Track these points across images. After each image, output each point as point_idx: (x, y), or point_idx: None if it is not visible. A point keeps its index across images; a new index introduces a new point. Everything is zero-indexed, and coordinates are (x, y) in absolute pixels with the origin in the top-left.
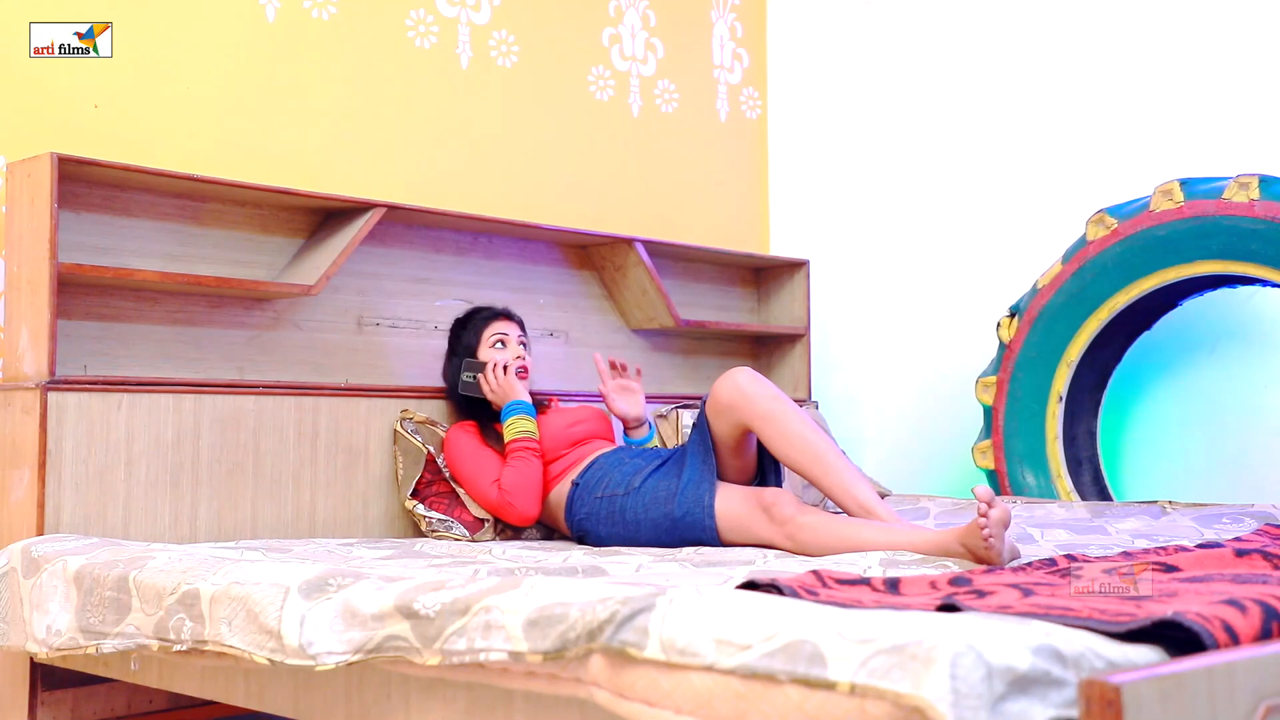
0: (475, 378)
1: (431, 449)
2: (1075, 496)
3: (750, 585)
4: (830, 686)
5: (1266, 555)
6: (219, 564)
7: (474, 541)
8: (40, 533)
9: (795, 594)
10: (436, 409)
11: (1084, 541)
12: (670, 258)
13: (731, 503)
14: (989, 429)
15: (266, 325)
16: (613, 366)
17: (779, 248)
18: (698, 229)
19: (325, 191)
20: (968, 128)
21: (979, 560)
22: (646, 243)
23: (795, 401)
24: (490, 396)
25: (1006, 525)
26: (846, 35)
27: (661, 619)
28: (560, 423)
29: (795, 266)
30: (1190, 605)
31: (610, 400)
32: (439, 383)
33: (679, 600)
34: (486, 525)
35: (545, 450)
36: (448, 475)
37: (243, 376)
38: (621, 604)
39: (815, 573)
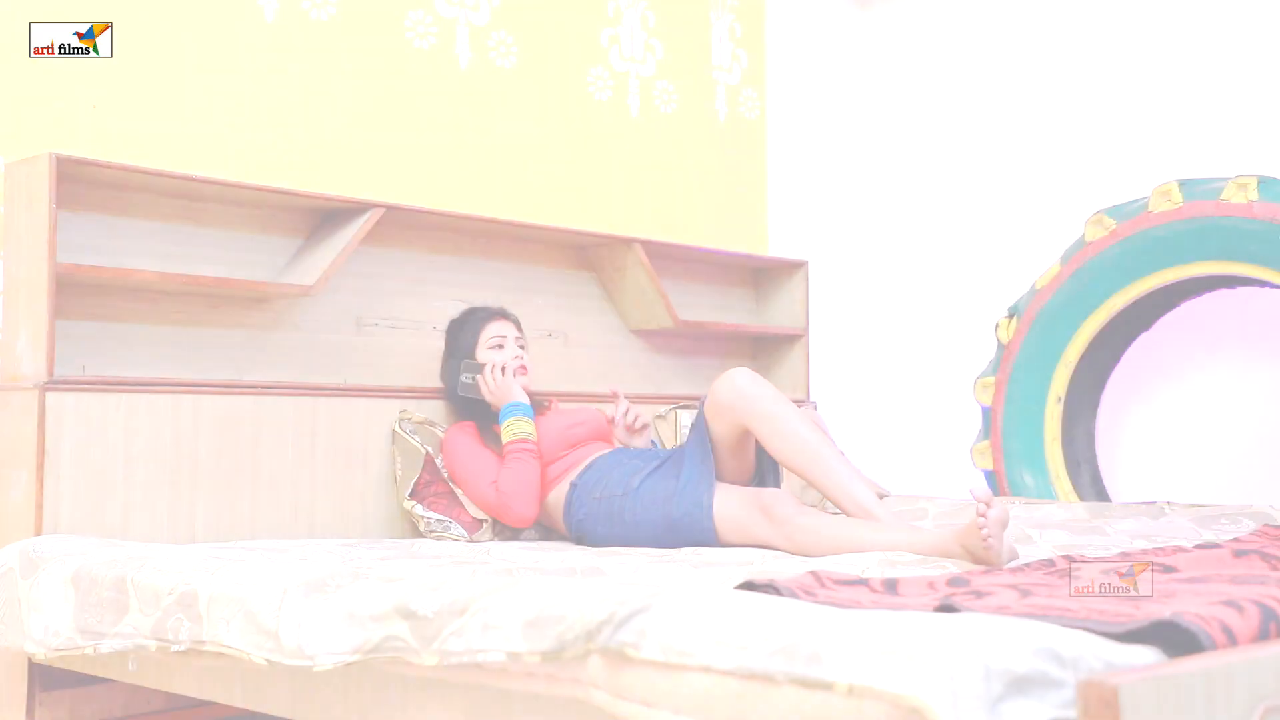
0: (474, 379)
1: (430, 450)
2: (1074, 497)
3: (748, 586)
4: (828, 687)
5: (1265, 556)
6: (217, 564)
7: (472, 542)
8: (38, 533)
9: (793, 595)
10: (435, 409)
11: (1082, 542)
12: (669, 258)
13: (730, 503)
14: (988, 430)
15: (265, 325)
16: (627, 429)
17: (777, 248)
18: (697, 229)
19: (324, 192)
20: (966, 128)
21: (977, 561)
22: (645, 243)
23: (794, 402)
24: (489, 398)
25: (1005, 525)
26: (845, 36)
27: (659, 619)
28: (559, 424)
29: (794, 267)
30: (1188, 606)
31: (620, 440)
32: (437, 383)
33: (677, 601)
34: (485, 526)
35: (544, 452)
36: (446, 476)
37: (241, 377)
38: (619, 604)
39: (813, 573)
